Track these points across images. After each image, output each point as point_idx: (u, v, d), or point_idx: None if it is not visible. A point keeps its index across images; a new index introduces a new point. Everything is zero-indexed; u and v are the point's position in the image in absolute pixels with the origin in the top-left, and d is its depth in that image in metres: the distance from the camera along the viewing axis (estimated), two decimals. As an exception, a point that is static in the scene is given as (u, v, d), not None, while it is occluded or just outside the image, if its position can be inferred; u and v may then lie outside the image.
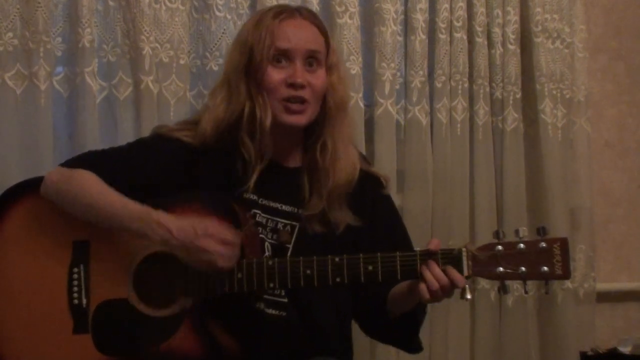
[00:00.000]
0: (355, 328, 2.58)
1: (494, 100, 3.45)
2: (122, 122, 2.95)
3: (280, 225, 2.38)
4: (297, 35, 2.37)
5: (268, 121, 2.33)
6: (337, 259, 2.20)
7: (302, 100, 2.34)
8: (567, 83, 3.54)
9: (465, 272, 2.18)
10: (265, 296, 2.33)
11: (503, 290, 2.20)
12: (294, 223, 2.39)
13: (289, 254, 2.34)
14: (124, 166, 2.36)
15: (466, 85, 3.39)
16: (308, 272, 2.20)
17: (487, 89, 3.43)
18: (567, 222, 3.51)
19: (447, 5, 3.33)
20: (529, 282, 2.20)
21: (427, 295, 2.18)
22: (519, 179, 3.47)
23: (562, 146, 3.52)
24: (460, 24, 3.36)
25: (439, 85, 3.34)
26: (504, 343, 3.45)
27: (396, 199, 3.22)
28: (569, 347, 3.48)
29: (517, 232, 2.18)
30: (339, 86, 2.43)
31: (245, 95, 2.35)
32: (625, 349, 3.37)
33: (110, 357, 2.26)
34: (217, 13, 3.07)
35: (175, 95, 2.99)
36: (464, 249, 2.18)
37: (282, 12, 2.40)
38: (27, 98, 2.82)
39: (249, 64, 2.36)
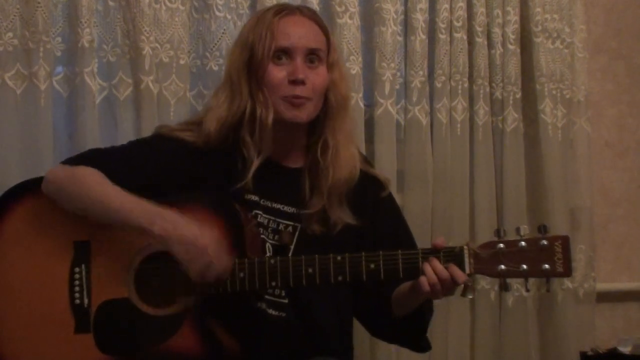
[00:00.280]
0: (356, 328, 2.58)
1: (494, 100, 3.45)
2: (122, 122, 2.95)
3: (281, 226, 2.38)
4: (298, 33, 2.37)
5: (270, 118, 2.33)
6: (339, 257, 2.21)
7: (304, 98, 2.34)
8: (567, 83, 3.54)
9: (467, 270, 2.18)
10: (266, 297, 2.34)
11: (504, 288, 2.21)
12: (295, 224, 2.39)
13: (290, 254, 2.34)
14: (125, 165, 2.36)
15: (466, 85, 3.39)
16: (310, 270, 2.21)
17: (487, 89, 3.43)
18: (567, 222, 3.52)
19: (447, 5, 3.33)
20: (530, 280, 2.21)
21: (426, 288, 2.19)
22: (519, 179, 3.47)
23: (562, 146, 3.52)
24: (460, 24, 3.36)
25: (439, 85, 3.35)
26: (504, 343, 3.45)
27: (396, 199, 3.24)
28: (569, 347, 3.48)
29: (518, 230, 2.19)
30: (341, 83, 2.43)
31: (247, 94, 2.36)
32: (625, 349, 3.37)
33: (112, 357, 2.26)
34: (217, 13, 3.07)
35: (175, 95, 2.99)
36: (465, 247, 2.19)
37: (283, 10, 2.41)
38: (27, 98, 2.82)
39: (250, 62, 2.37)
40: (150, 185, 2.33)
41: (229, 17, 3.08)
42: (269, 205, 2.38)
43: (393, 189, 3.20)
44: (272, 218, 2.38)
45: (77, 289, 2.30)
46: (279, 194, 2.39)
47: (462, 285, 2.21)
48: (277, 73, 2.35)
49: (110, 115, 2.96)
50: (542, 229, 2.19)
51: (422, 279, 2.19)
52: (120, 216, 2.24)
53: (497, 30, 3.42)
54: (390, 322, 2.41)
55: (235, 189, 2.34)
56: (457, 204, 3.37)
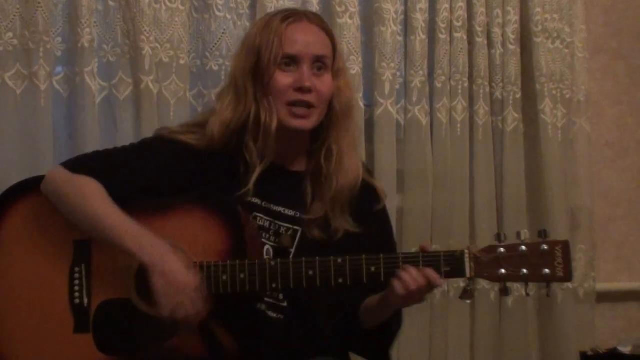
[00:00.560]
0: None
1: (494, 100, 3.45)
2: (122, 122, 2.95)
3: (282, 230, 2.38)
4: (305, 40, 2.37)
5: (274, 124, 2.33)
6: (339, 260, 2.20)
7: (308, 105, 2.34)
8: (567, 83, 3.54)
9: (468, 274, 2.18)
10: (266, 299, 2.34)
11: (504, 292, 2.20)
12: (296, 228, 2.38)
13: (290, 258, 2.34)
14: (126, 168, 2.35)
15: (466, 85, 3.39)
16: (310, 272, 2.20)
17: (487, 89, 3.43)
18: (567, 222, 3.52)
19: (447, 5, 3.33)
20: (530, 284, 2.20)
21: (401, 291, 2.18)
22: (519, 179, 3.47)
23: (562, 146, 3.53)
24: (460, 24, 3.36)
25: (439, 85, 3.35)
26: (504, 343, 3.45)
27: (396, 199, 3.25)
28: (569, 347, 3.49)
29: (518, 234, 2.19)
30: (346, 91, 2.43)
31: (252, 99, 2.35)
32: (625, 349, 3.38)
33: (112, 357, 2.25)
34: (217, 13, 3.06)
35: (175, 95, 2.99)
36: (466, 251, 2.19)
37: (290, 16, 2.40)
38: (27, 98, 2.82)
39: (257, 67, 2.36)
40: (150, 188, 2.33)
41: (229, 17, 3.08)
42: (270, 208, 2.38)
43: (393, 188, 3.22)
44: (273, 221, 2.37)
45: (76, 288, 2.29)
46: (281, 197, 2.38)
47: (462, 289, 2.22)
48: (284, 80, 2.34)
49: (110, 115, 2.96)
50: (543, 234, 2.18)
51: (397, 283, 2.19)
52: (111, 238, 2.24)
53: (497, 30, 3.42)
54: (357, 331, 2.40)
55: (237, 196, 2.34)
56: (457, 204, 3.37)
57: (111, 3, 2.94)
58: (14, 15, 2.81)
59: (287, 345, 2.35)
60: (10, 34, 2.81)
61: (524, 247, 2.17)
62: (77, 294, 2.29)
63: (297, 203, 2.39)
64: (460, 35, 3.36)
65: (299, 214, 2.38)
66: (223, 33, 3.08)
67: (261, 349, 2.30)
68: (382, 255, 2.20)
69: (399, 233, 3.27)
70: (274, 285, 2.23)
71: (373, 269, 2.20)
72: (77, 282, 2.30)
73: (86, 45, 2.86)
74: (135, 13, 2.93)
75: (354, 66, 3.18)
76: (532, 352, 3.50)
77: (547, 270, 2.16)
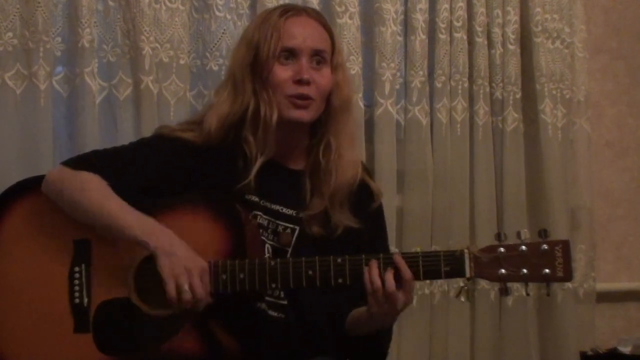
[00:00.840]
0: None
1: (494, 100, 3.46)
2: (122, 122, 2.95)
3: (280, 228, 2.38)
4: (304, 34, 2.37)
5: (274, 117, 2.33)
6: (339, 260, 2.20)
7: (308, 98, 2.34)
8: (567, 83, 3.55)
9: (468, 274, 2.18)
10: (266, 298, 2.33)
11: (505, 292, 2.20)
12: (294, 226, 2.38)
13: (288, 256, 2.34)
14: (126, 167, 2.35)
15: (466, 85, 3.39)
16: (310, 272, 2.20)
17: (487, 89, 3.44)
18: (567, 222, 3.52)
19: (447, 5, 3.33)
20: (530, 284, 2.20)
21: (367, 286, 2.18)
22: (519, 179, 3.48)
23: (562, 146, 3.53)
24: (460, 24, 3.36)
25: (439, 85, 3.35)
26: (504, 343, 3.45)
27: (396, 199, 3.25)
28: (569, 347, 3.49)
29: (518, 234, 2.19)
30: (344, 86, 2.43)
31: (250, 93, 2.36)
32: (625, 349, 3.38)
33: (111, 357, 2.25)
34: (217, 13, 3.06)
35: (175, 95, 2.99)
36: (466, 251, 2.18)
37: (289, 10, 2.41)
38: (27, 98, 2.82)
39: (255, 61, 2.36)
40: (151, 186, 2.33)
41: (229, 17, 3.08)
42: (269, 206, 2.37)
43: (393, 188, 3.23)
44: (272, 219, 2.37)
45: (76, 288, 2.29)
46: (280, 195, 2.38)
47: (459, 288, 2.22)
48: (282, 73, 2.34)
49: (110, 115, 2.96)
50: (543, 234, 2.18)
51: (365, 282, 2.19)
52: (117, 229, 2.24)
53: (497, 30, 3.43)
54: (344, 339, 2.39)
55: (236, 189, 2.34)
56: (457, 204, 3.37)
57: (111, 3, 2.94)
58: (14, 15, 2.80)
59: (288, 344, 2.35)
60: (10, 34, 2.80)
61: (524, 247, 2.16)
62: (76, 294, 2.29)
63: (296, 201, 2.39)
64: (460, 35, 3.37)
65: (297, 212, 2.38)
66: (223, 33, 3.08)
67: (261, 348, 2.30)
68: (381, 255, 2.20)
69: (399, 233, 3.28)
70: (273, 285, 2.22)
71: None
72: (76, 282, 2.30)
73: (86, 45, 2.86)
74: (135, 13, 2.92)
75: (354, 66, 3.18)
76: (532, 352, 3.50)
77: (547, 270, 2.15)
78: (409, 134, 3.33)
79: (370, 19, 3.29)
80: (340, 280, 2.20)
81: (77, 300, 2.29)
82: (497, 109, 3.46)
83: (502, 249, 2.17)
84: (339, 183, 2.38)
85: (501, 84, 3.45)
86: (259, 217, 2.36)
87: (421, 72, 3.32)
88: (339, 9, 3.18)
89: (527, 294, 2.25)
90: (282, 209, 2.39)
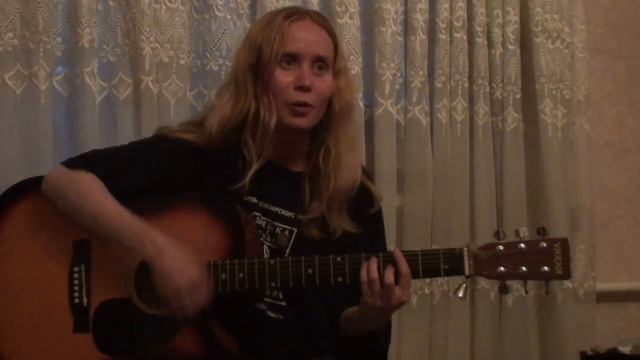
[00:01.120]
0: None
1: (494, 100, 3.46)
2: (122, 122, 2.95)
3: (278, 230, 2.38)
4: (307, 39, 2.36)
5: (273, 122, 2.32)
6: (338, 259, 2.20)
7: (308, 105, 2.34)
8: (567, 83, 3.55)
9: (467, 272, 2.18)
10: (266, 298, 2.33)
11: (504, 290, 2.20)
12: (292, 228, 2.38)
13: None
14: (126, 167, 2.35)
15: (466, 85, 3.39)
16: (310, 271, 2.20)
17: (487, 89, 3.44)
18: (567, 222, 3.52)
19: (447, 5, 3.33)
20: (529, 282, 2.21)
21: (363, 276, 2.18)
22: (519, 179, 3.48)
23: (562, 146, 3.53)
24: (460, 24, 3.36)
25: (439, 85, 3.35)
26: (504, 343, 3.45)
27: (396, 199, 3.25)
28: (569, 347, 3.49)
29: (517, 232, 2.19)
30: (346, 91, 2.42)
31: (252, 95, 2.35)
32: (625, 349, 3.38)
33: (111, 357, 2.25)
34: (217, 13, 3.06)
35: (175, 95, 2.99)
36: (465, 249, 2.19)
37: (293, 14, 2.40)
38: (27, 98, 2.82)
39: (257, 63, 2.36)
40: (150, 186, 2.33)
41: (229, 17, 3.08)
42: (267, 207, 2.37)
43: (393, 189, 3.22)
44: (270, 221, 2.37)
45: (76, 288, 2.29)
46: (278, 197, 2.38)
47: (459, 284, 2.22)
48: (284, 78, 2.34)
49: (110, 115, 2.96)
50: (542, 231, 2.18)
51: (362, 271, 2.20)
52: (110, 234, 2.24)
53: (497, 30, 3.43)
54: (340, 337, 2.39)
55: (233, 190, 2.34)
56: (457, 204, 3.37)
57: (111, 3, 2.94)
58: (14, 16, 2.81)
59: (287, 344, 2.35)
60: (10, 34, 2.80)
61: (522, 245, 2.17)
62: (76, 294, 2.29)
63: (295, 204, 2.39)
64: (460, 35, 3.37)
65: (295, 214, 2.38)
66: (223, 33, 3.08)
67: (261, 348, 2.30)
68: (381, 253, 2.20)
69: (399, 233, 3.28)
70: (273, 284, 2.22)
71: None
72: (76, 282, 2.30)
73: (86, 45, 2.86)
74: (135, 13, 2.92)
75: (354, 66, 3.18)
76: (532, 352, 3.50)
77: (546, 268, 2.16)
78: (409, 134, 3.33)
79: (370, 19, 3.29)
80: (339, 279, 2.20)
81: (76, 300, 2.29)
82: (497, 109, 3.46)
83: (501, 247, 2.17)
84: (337, 188, 2.37)
85: (501, 84, 3.45)
86: (257, 218, 2.36)
87: (421, 72, 3.32)
88: (339, 9, 3.18)
89: (527, 292, 2.26)
90: (280, 211, 2.38)
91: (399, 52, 3.33)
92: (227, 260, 2.22)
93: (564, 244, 2.17)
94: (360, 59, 3.22)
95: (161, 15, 2.96)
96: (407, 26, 3.33)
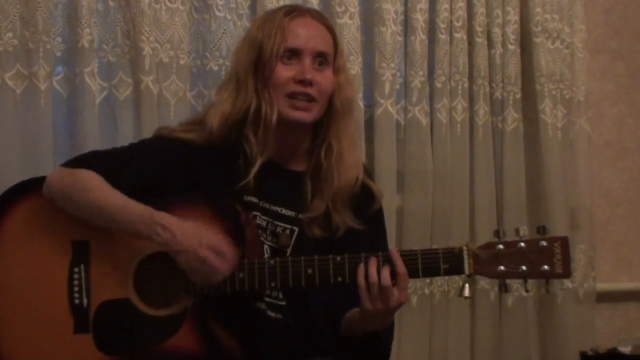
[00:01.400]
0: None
1: (494, 100, 3.46)
2: (122, 122, 2.95)
3: (279, 229, 2.38)
4: (308, 35, 2.37)
5: (274, 117, 2.33)
6: (338, 259, 2.21)
7: (310, 99, 2.35)
8: (567, 83, 3.55)
9: (466, 271, 2.18)
10: (266, 298, 2.34)
11: (504, 289, 2.20)
12: (293, 227, 2.38)
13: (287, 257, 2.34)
14: (126, 167, 2.35)
15: (466, 85, 3.39)
16: (309, 271, 2.20)
17: (487, 89, 3.44)
18: (567, 222, 3.52)
19: (447, 6, 3.33)
20: (530, 281, 2.20)
21: (361, 282, 2.18)
22: (519, 179, 3.47)
23: (562, 146, 3.53)
24: (460, 24, 3.36)
25: (439, 85, 3.35)
26: (504, 343, 3.45)
27: (396, 199, 3.25)
28: (569, 347, 3.49)
29: (517, 231, 2.19)
30: (346, 88, 2.43)
31: (252, 91, 2.36)
32: (625, 349, 3.38)
33: (111, 357, 2.26)
34: (217, 13, 3.06)
35: (175, 95, 2.99)
36: (465, 248, 2.19)
37: (293, 11, 2.42)
38: (27, 98, 2.82)
39: (258, 60, 2.37)
40: (151, 187, 2.32)
41: (229, 17, 3.08)
42: (268, 207, 2.38)
43: (393, 189, 3.22)
44: (271, 220, 2.38)
45: (76, 289, 2.29)
46: (279, 196, 2.39)
47: (461, 285, 2.22)
48: (285, 72, 2.35)
49: (110, 115, 2.96)
50: (542, 230, 2.18)
51: (359, 278, 2.20)
52: (120, 222, 2.25)
53: (497, 30, 3.43)
54: (341, 338, 2.39)
55: (235, 189, 2.34)
56: (457, 204, 3.37)
57: (111, 3, 2.94)
58: (14, 16, 2.81)
59: (287, 344, 2.36)
60: (10, 34, 2.80)
61: (522, 244, 2.17)
62: (76, 295, 2.29)
63: (296, 203, 2.39)
64: (460, 35, 3.37)
65: (297, 213, 2.38)
66: (223, 33, 3.08)
67: (261, 348, 2.31)
68: (380, 253, 2.20)
69: (399, 233, 3.28)
70: (272, 284, 2.23)
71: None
72: (76, 282, 2.30)
73: (86, 45, 2.86)
74: (135, 13, 2.92)
75: (354, 66, 3.18)
76: (532, 352, 3.50)
77: (546, 267, 2.16)
78: (409, 134, 3.33)
79: (370, 19, 3.29)
80: (339, 279, 2.20)
81: (76, 301, 2.29)
82: (497, 109, 3.46)
83: (501, 246, 2.18)
84: (340, 185, 2.38)
85: (501, 84, 3.45)
86: (257, 217, 2.36)
87: (421, 72, 3.32)
88: (339, 9, 3.18)
89: (527, 291, 2.25)
90: (281, 210, 2.39)
91: (399, 52, 3.32)
92: (228, 260, 2.22)
93: (564, 242, 2.17)
94: (360, 59, 3.22)
95: (161, 15, 2.96)
96: (407, 26, 3.33)
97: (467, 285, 2.21)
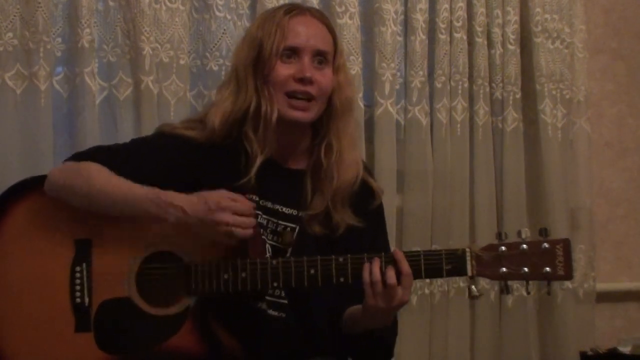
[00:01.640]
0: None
1: (494, 100, 3.46)
2: (122, 122, 2.95)
3: (280, 227, 2.38)
4: (308, 33, 2.38)
5: (275, 115, 2.33)
6: (340, 259, 2.21)
7: (309, 98, 2.35)
8: (567, 83, 3.55)
9: (469, 272, 2.19)
10: (267, 297, 2.33)
11: (506, 290, 2.21)
12: (293, 225, 2.39)
13: (288, 255, 2.34)
14: (127, 163, 2.35)
15: (466, 85, 3.39)
16: (312, 271, 2.21)
17: (487, 89, 3.44)
18: (567, 222, 3.52)
19: (447, 6, 3.33)
20: (531, 282, 2.21)
21: (366, 278, 2.18)
22: (519, 179, 3.48)
23: (562, 146, 3.53)
24: (460, 24, 3.36)
25: (438, 85, 3.35)
26: (504, 343, 3.46)
27: (396, 199, 3.25)
28: (569, 347, 3.49)
29: (519, 233, 2.20)
30: (346, 87, 2.44)
31: (253, 90, 2.36)
32: (625, 349, 3.38)
33: (112, 356, 2.26)
34: (217, 13, 3.06)
35: (175, 95, 2.99)
36: (467, 249, 2.19)
37: (294, 9, 2.42)
38: (27, 98, 2.82)
39: (258, 58, 2.37)
40: (151, 183, 2.31)
41: (229, 17, 3.08)
42: (269, 206, 2.38)
43: (393, 189, 3.22)
44: (272, 219, 2.38)
45: (77, 287, 2.29)
46: (280, 195, 2.39)
47: (467, 287, 2.23)
48: (284, 71, 2.35)
49: (110, 115, 2.96)
50: (544, 232, 2.19)
51: (364, 274, 2.20)
52: (129, 206, 2.25)
53: (497, 30, 3.43)
54: (343, 337, 2.39)
55: (236, 187, 2.33)
56: (457, 204, 3.37)
57: (111, 3, 2.94)
58: (14, 16, 2.80)
59: (288, 343, 2.36)
60: (10, 34, 2.80)
61: (525, 246, 2.17)
62: (78, 294, 2.29)
63: (297, 201, 2.39)
64: (460, 35, 3.37)
65: (297, 212, 2.39)
66: (223, 33, 3.08)
67: (262, 348, 2.31)
68: (382, 254, 2.21)
69: (399, 233, 3.28)
70: (275, 284, 2.23)
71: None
72: (77, 281, 2.30)
73: (86, 45, 2.86)
74: (135, 13, 2.92)
75: (354, 66, 3.18)
76: (532, 352, 3.50)
77: (548, 269, 2.16)
78: (409, 134, 3.33)
79: (370, 19, 3.29)
80: (342, 279, 2.21)
81: (78, 300, 2.29)
82: (497, 109, 3.46)
83: (503, 248, 2.18)
84: (340, 183, 2.38)
85: (501, 84, 3.45)
86: (258, 216, 2.36)
87: (421, 72, 3.32)
88: (339, 9, 3.18)
89: (528, 293, 2.26)
90: (281, 209, 2.39)
91: (399, 52, 3.33)
92: (230, 260, 2.23)
93: (566, 244, 2.18)
94: (360, 59, 3.22)
95: (161, 15, 2.96)
96: (407, 26, 3.33)
97: (472, 286, 2.21)
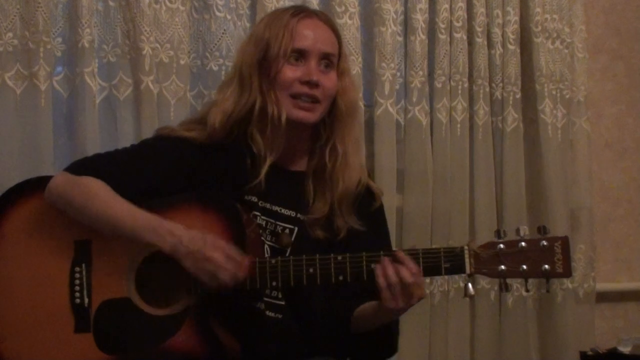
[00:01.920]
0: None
1: (494, 100, 3.46)
2: (122, 122, 2.95)
3: (279, 229, 2.38)
4: (315, 36, 2.39)
5: (284, 117, 2.34)
6: (339, 257, 2.20)
7: (315, 100, 2.36)
8: (566, 83, 3.55)
9: (468, 270, 2.18)
10: (265, 298, 2.34)
11: (505, 288, 2.21)
12: (293, 226, 2.39)
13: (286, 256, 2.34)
14: (129, 169, 2.35)
15: (466, 85, 3.39)
16: (311, 270, 2.20)
17: (487, 89, 3.44)
18: (567, 222, 3.52)
19: (447, 6, 3.33)
20: (530, 281, 2.21)
21: (382, 284, 2.17)
22: (519, 179, 3.47)
23: (562, 146, 3.53)
24: (460, 24, 3.36)
25: (438, 85, 3.35)
26: (504, 343, 3.45)
27: (396, 199, 3.25)
28: (569, 347, 3.49)
29: (518, 230, 2.19)
30: (350, 90, 2.45)
31: (257, 90, 2.36)
32: (625, 349, 3.37)
33: (112, 356, 2.25)
34: (217, 13, 3.07)
35: (175, 95, 2.99)
36: (466, 247, 2.19)
37: (301, 12, 2.43)
38: (27, 98, 2.82)
39: (264, 59, 2.38)
40: (154, 187, 2.33)
41: (229, 17, 3.08)
42: (267, 207, 2.38)
43: (393, 189, 3.22)
44: (271, 220, 2.38)
45: (77, 288, 2.30)
46: (279, 196, 2.39)
47: (464, 285, 2.22)
48: (291, 73, 2.36)
49: (110, 116, 2.96)
50: (542, 230, 2.19)
51: (379, 279, 2.19)
52: (127, 231, 2.24)
53: (497, 30, 3.43)
54: (349, 339, 2.38)
55: (247, 188, 2.34)
56: (457, 204, 3.37)
57: (111, 3, 2.94)
58: (14, 15, 2.81)
59: (286, 344, 2.36)
60: (10, 34, 2.80)
61: (523, 243, 2.17)
62: (77, 294, 2.30)
63: (296, 203, 2.39)
64: (460, 35, 3.37)
65: (297, 214, 2.39)
66: (223, 33, 3.08)
67: (261, 348, 2.31)
68: (382, 252, 2.20)
69: (399, 233, 3.28)
70: (274, 284, 2.22)
71: (373, 266, 2.20)
72: (77, 281, 2.30)
73: (86, 45, 2.86)
74: (135, 13, 2.93)
75: (354, 66, 3.18)
76: (532, 352, 3.50)
77: (546, 266, 2.16)
78: (409, 134, 3.33)
79: (370, 19, 3.30)
80: (340, 278, 2.20)
81: (77, 300, 2.29)
82: (497, 109, 3.46)
83: (501, 246, 2.18)
84: (345, 189, 2.39)
85: (501, 84, 3.45)
86: (257, 217, 2.36)
87: (421, 72, 3.32)
88: (339, 9, 3.18)
89: (527, 290, 2.26)
90: (281, 210, 2.39)
91: (399, 52, 3.33)
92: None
93: (565, 242, 2.17)
94: (360, 59, 3.23)
95: (161, 15, 2.96)
96: (407, 26, 3.34)
97: (469, 284, 2.21)
